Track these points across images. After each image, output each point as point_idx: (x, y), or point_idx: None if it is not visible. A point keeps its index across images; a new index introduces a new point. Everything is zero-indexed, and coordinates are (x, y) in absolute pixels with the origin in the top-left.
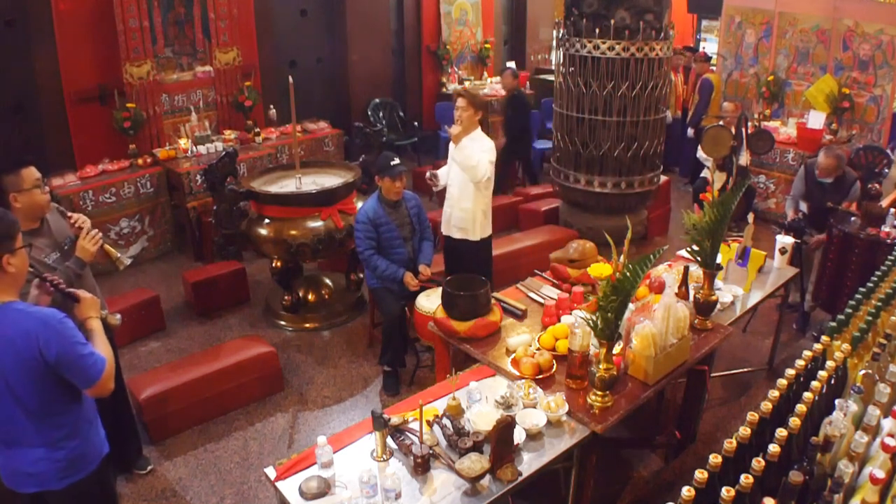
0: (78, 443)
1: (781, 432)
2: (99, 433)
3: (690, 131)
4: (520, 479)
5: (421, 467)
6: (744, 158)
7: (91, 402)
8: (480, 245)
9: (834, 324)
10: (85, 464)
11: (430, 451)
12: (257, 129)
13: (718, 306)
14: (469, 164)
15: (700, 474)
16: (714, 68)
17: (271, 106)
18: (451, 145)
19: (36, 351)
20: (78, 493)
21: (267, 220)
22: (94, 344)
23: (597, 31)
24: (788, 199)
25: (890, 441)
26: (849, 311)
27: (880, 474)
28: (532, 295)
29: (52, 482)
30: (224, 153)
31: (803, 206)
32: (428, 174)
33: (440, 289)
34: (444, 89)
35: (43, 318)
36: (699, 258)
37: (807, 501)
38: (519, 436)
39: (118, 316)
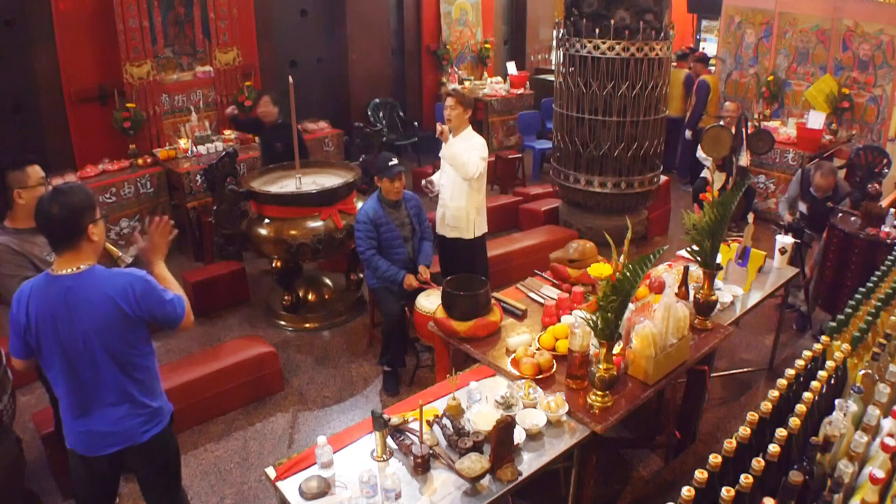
0: (155, 396)
1: (781, 432)
2: (163, 392)
3: (688, 133)
4: (520, 479)
5: (421, 467)
6: (744, 158)
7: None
8: (475, 243)
9: (834, 324)
10: (163, 416)
11: (430, 451)
12: None
13: (718, 306)
14: (459, 162)
15: (700, 474)
16: (712, 69)
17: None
18: (443, 145)
19: (131, 301)
20: (159, 444)
21: (267, 220)
22: (169, 287)
23: (597, 31)
24: (781, 202)
25: (890, 441)
26: (849, 311)
27: (880, 474)
28: (532, 295)
29: (136, 436)
30: (224, 153)
31: (803, 207)
32: (423, 182)
33: (440, 289)
34: (442, 89)
35: (133, 274)
36: (699, 258)
37: (807, 501)
38: (519, 436)
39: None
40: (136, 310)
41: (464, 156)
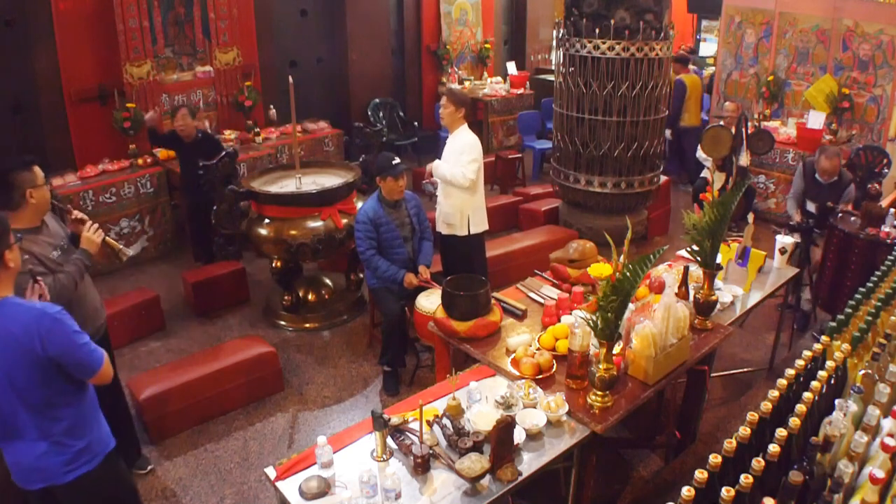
0: (81, 435)
1: (781, 432)
2: (102, 428)
3: (668, 132)
4: (520, 479)
5: (421, 467)
6: (744, 158)
7: (93, 397)
8: (471, 241)
9: (834, 324)
10: (90, 456)
11: (430, 451)
12: (257, 129)
13: (718, 306)
14: (447, 180)
15: (700, 474)
16: (694, 69)
17: (271, 106)
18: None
19: (37, 343)
20: (85, 486)
21: (267, 220)
22: None
23: (597, 31)
24: (789, 200)
25: (890, 441)
26: (849, 311)
27: (880, 474)
28: (532, 295)
29: (58, 476)
30: (224, 153)
31: (811, 207)
32: (423, 183)
33: (440, 288)
34: (442, 89)
35: (41, 311)
36: (699, 258)
37: (807, 501)
38: (519, 436)
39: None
40: (44, 349)
41: (447, 174)
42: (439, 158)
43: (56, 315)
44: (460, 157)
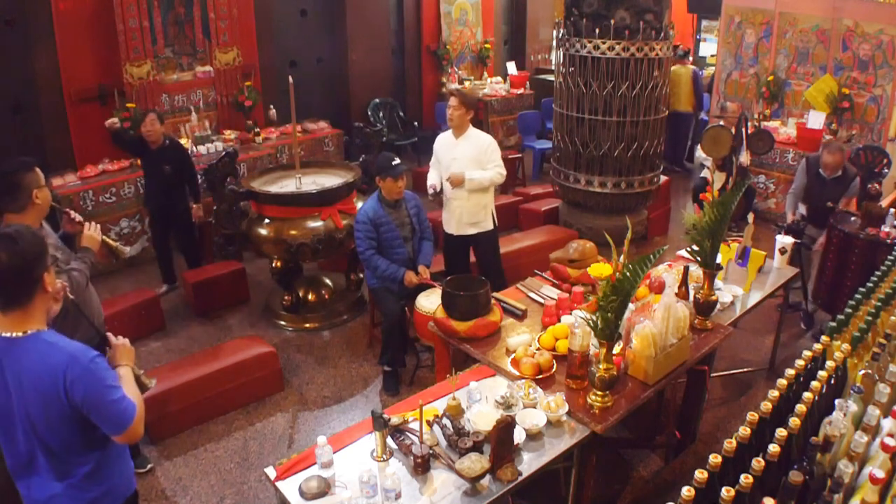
0: (100, 481)
1: (781, 432)
2: (125, 471)
3: None
4: (520, 479)
5: (421, 467)
6: (744, 158)
7: None
8: (496, 233)
9: (834, 324)
10: (109, 501)
11: (430, 451)
12: (257, 129)
13: (718, 306)
14: (486, 184)
15: (700, 474)
16: (695, 69)
17: (271, 106)
18: (442, 144)
19: (61, 389)
20: None
21: (267, 220)
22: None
23: (597, 31)
24: (789, 197)
25: (890, 441)
26: (849, 311)
27: (880, 474)
28: (532, 295)
29: None
30: (224, 153)
31: (801, 209)
32: (430, 195)
33: (440, 288)
34: (443, 89)
35: (72, 355)
36: (699, 258)
37: (807, 501)
38: (519, 436)
39: (154, 380)
40: (69, 397)
41: (487, 180)
42: (429, 160)
43: (88, 364)
44: (491, 156)
